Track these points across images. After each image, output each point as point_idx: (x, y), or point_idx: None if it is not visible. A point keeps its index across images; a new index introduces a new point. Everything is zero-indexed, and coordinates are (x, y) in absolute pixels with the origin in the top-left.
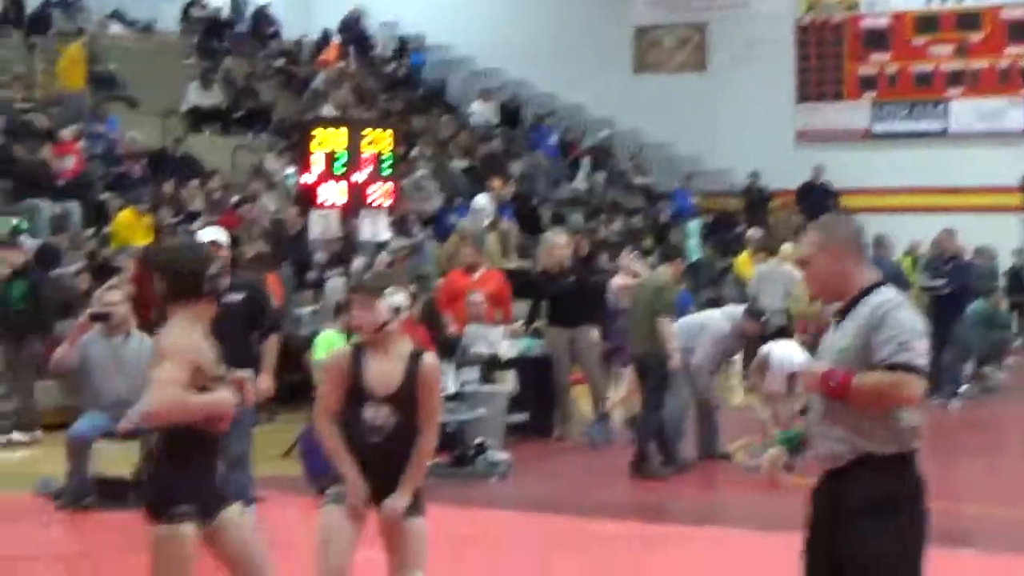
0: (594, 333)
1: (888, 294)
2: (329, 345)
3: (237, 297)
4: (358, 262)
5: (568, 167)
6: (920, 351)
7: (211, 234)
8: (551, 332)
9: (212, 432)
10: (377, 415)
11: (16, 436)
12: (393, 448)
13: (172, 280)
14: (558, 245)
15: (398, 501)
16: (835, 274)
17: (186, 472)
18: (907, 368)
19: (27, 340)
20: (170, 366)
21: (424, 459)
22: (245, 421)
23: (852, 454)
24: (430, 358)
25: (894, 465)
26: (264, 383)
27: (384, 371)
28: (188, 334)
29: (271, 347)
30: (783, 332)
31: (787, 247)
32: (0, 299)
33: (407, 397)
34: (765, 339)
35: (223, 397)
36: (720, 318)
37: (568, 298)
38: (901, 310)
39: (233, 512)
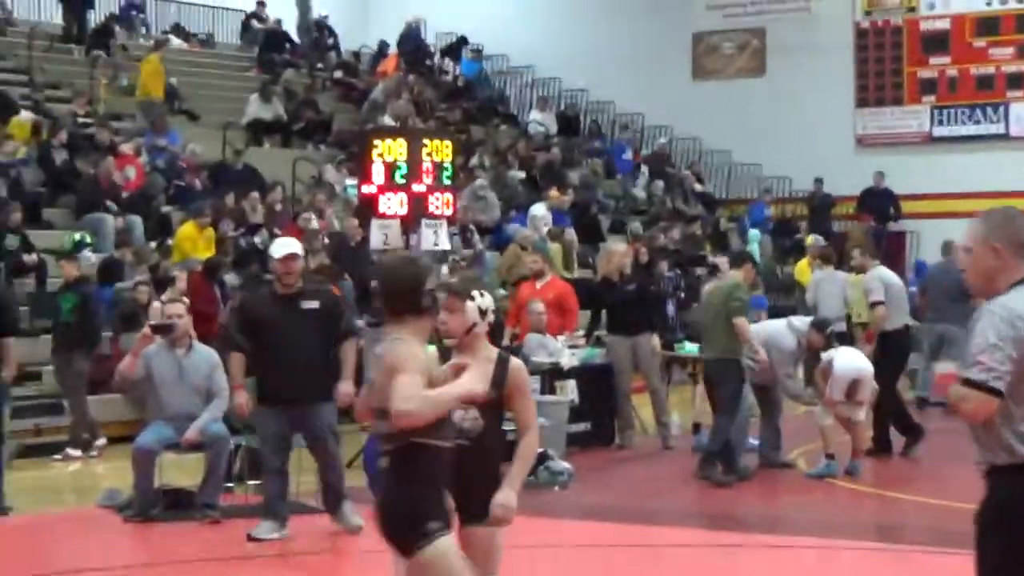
0: (655, 341)
1: (999, 300)
2: None
3: (313, 305)
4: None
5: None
6: (986, 365)
7: (288, 246)
8: (612, 340)
9: (440, 444)
10: (465, 418)
11: (70, 451)
12: (478, 452)
13: (393, 296)
14: (618, 252)
15: (509, 498)
16: (988, 269)
17: (426, 488)
18: (969, 383)
19: (75, 354)
20: (407, 378)
21: (529, 459)
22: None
23: (983, 463)
24: (517, 360)
25: (1009, 475)
26: (345, 387)
27: (472, 374)
28: (415, 349)
29: (349, 352)
30: (842, 339)
31: (856, 253)
32: (52, 311)
33: (495, 401)
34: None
35: (464, 383)
36: (786, 331)
37: (629, 306)
38: (983, 319)
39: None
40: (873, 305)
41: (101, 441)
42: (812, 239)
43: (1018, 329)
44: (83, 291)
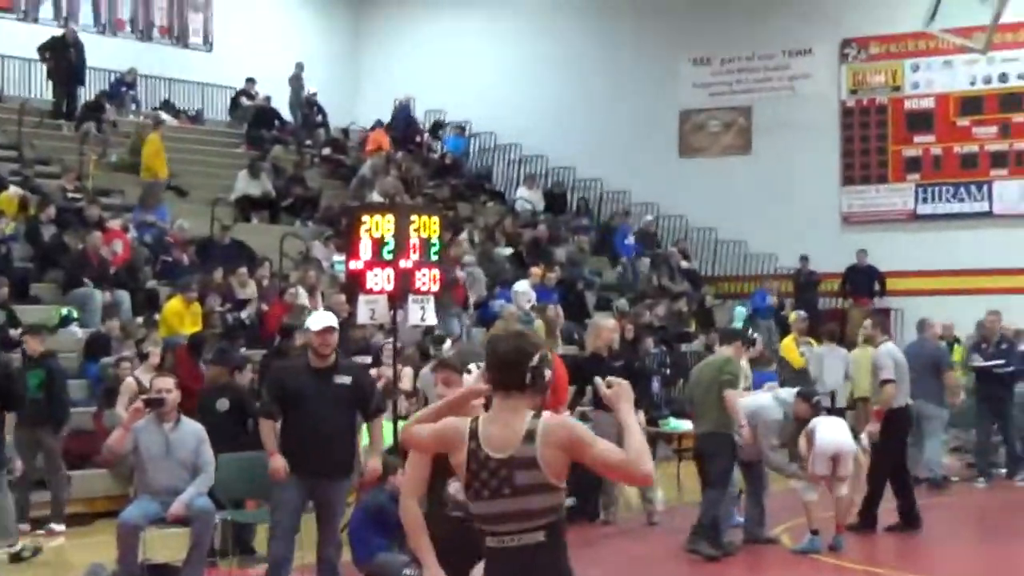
0: (641, 416)
1: None
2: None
3: (346, 380)
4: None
5: (614, 250)
6: None
7: (326, 320)
8: (597, 416)
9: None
10: (460, 489)
11: (54, 527)
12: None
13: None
14: (606, 327)
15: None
16: None
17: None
18: None
19: (42, 431)
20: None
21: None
22: None
23: None
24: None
25: None
26: (372, 463)
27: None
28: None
29: (379, 427)
30: (839, 413)
31: (868, 326)
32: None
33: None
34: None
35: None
36: (772, 403)
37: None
38: None
39: None
40: (884, 383)
41: (61, 527)
42: (795, 315)
43: None
44: (49, 366)
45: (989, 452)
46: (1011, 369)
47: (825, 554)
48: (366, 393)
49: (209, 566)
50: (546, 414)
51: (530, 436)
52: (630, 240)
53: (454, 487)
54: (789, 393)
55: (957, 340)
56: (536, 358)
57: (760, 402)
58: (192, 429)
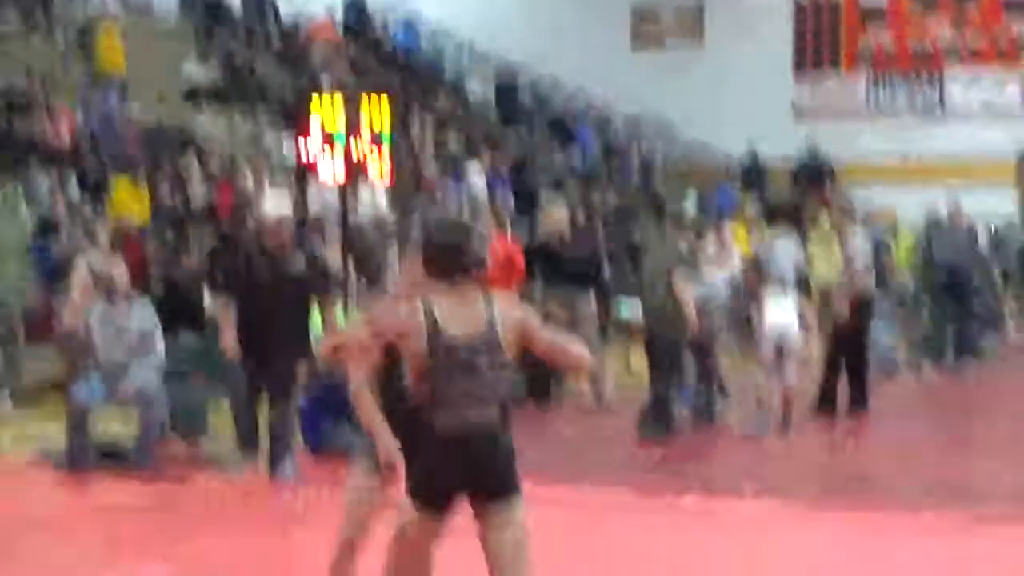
0: (592, 303)
1: None
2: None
3: (300, 266)
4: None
5: (566, 140)
6: None
7: (279, 206)
8: (549, 302)
9: None
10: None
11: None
12: None
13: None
14: (557, 215)
15: None
16: None
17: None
18: None
19: None
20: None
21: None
22: None
23: None
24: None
25: None
26: (326, 345)
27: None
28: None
29: (333, 312)
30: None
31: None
32: None
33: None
34: None
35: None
36: (722, 286)
37: (567, 267)
38: None
39: None
40: (854, 270)
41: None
42: (748, 203)
43: None
44: None
45: (941, 340)
46: (968, 260)
47: (773, 438)
48: (319, 278)
49: (160, 444)
50: (496, 296)
51: (490, 318)
52: (583, 131)
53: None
54: (737, 272)
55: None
56: (475, 243)
57: (708, 287)
58: (142, 310)
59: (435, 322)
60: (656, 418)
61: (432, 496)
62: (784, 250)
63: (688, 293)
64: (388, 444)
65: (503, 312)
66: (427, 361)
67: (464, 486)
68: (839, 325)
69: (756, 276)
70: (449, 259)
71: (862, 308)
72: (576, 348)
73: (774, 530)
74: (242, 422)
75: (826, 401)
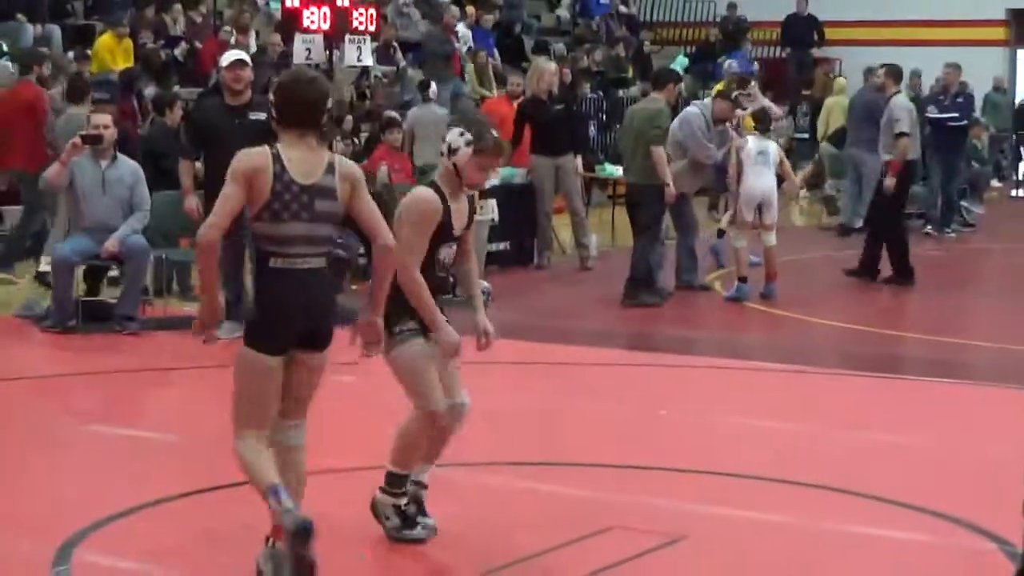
0: (578, 161)
1: None
2: None
3: (261, 116)
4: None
5: None
6: None
7: (236, 54)
8: (536, 160)
9: None
10: (450, 254)
11: None
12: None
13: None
14: (548, 70)
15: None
16: None
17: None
18: None
19: None
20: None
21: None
22: None
23: None
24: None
25: None
26: None
27: (460, 211)
28: None
29: None
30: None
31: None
32: None
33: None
34: None
35: None
36: (695, 110)
37: (555, 126)
38: None
39: None
40: (899, 135)
41: None
42: (728, 64)
43: None
44: None
45: (932, 204)
46: (965, 122)
47: (756, 301)
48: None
49: (144, 304)
50: (339, 156)
51: (331, 168)
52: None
53: (444, 252)
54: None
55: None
56: (330, 100)
57: (681, 117)
58: (128, 166)
59: (282, 166)
60: (641, 285)
61: (277, 337)
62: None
63: (665, 163)
64: (445, 328)
65: (343, 162)
66: (270, 201)
67: (297, 328)
68: (880, 193)
69: (725, 104)
70: (301, 111)
71: (904, 175)
72: (386, 230)
73: (754, 384)
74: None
75: (865, 269)
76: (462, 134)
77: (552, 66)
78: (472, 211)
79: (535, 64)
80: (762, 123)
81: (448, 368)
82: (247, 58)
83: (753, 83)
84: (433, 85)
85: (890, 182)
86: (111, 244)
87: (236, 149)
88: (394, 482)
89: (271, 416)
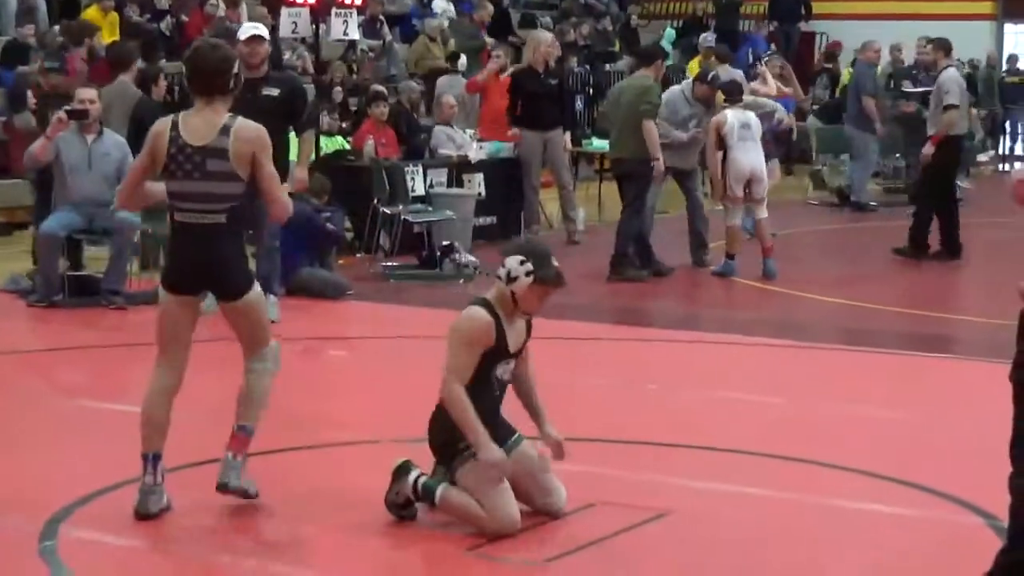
0: (566, 136)
1: None
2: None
3: (274, 92)
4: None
5: None
6: None
7: (253, 28)
8: (525, 134)
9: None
10: (507, 370)
11: None
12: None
13: (209, 77)
14: (544, 42)
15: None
16: None
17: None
18: None
19: None
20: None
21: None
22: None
23: None
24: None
25: None
26: (299, 173)
27: (517, 331)
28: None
29: (308, 140)
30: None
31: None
32: None
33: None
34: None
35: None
36: (677, 90)
37: (545, 100)
38: None
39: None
40: (948, 107)
41: None
42: (703, 37)
43: None
44: None
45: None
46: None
47: (752, 278)
48: (296, 105)
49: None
50: (241, 119)
51: (225, 130)
52: None
53: (501, 370)
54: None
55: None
56: (236, 66)
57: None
58: (115, 141)
59: (176, 132)
60: (626, 259)
61: (174, 281)
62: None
63: (656, 139)
64: (489, 449)
65: (241, 130)
66: (166, 160)
67: (195, 277)
68: (927, 166)
69: (705, 87)
70: (207, 79)
71: (948, 148)
72: (282, 197)
73: (742, 358)
74: None
75: (915, 244)
76: (523, 263)
77: (548, 37)
78: (529, 329)
79: (532, 34)
80: (731, 95)
81: (538, 476)
82: (265, 32)
83: (774, 64)
84: (463, 57)
85: (928, 150)
86: (100, 218)
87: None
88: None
89: (171, 346)
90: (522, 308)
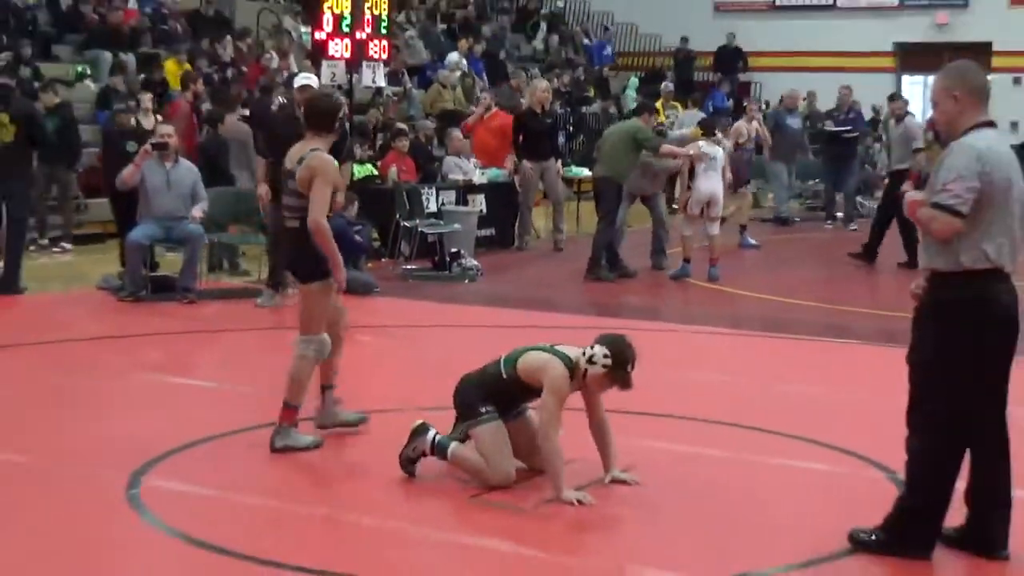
0: (559, 164)
1: (968, 140)
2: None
3: None
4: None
5: (529, 30)
6: (954, 192)
7: (305, 79)
8: (524, 164)
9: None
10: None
11: (65, 245)
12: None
13: (318, 118)
14: (540, 88)
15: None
16: (949, 114)
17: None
18: (939, 207)
19: (57, 168)
20: (323, 190)
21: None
22: None
23: (928, 268)
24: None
25: (954, 280)
26: (339, 198)
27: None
28: (329, 159)
29: (345, 170)
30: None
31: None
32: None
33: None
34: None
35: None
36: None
37: (542, 135)
38: (952, 155)
39: None
40: (916, 151)
41: (68, 244)
42: (664, 85)
43: (981, 164)
44: (63, 113)
45: (833, 202)
46: (856, 134)
47: (701, 280)
48: (339, 139)
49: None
50: (317, 150)
51: (301, 160)
52: (608, 52)
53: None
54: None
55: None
56: (342, 111)
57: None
58: (188, 168)
59: (283, 157)
60: (599, 263)
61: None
62: (689, 123)
63: (667, 150)
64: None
65: (313, 156)
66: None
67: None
68: (899, 195)
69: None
70: (320, 118)
71: (919, 182)
72: (316, 217)
73: (699, 344)
74: (273, 261)
75: (868, 253)
76: (607, 356)
77: (544, 84)
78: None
79: (533, 83)
80: (707, 131)
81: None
82: (315, 82)
83: (752, 108)
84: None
85: (908, 187)
86: (176, 232)
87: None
88: (437, 451)
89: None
90: (586, 383)
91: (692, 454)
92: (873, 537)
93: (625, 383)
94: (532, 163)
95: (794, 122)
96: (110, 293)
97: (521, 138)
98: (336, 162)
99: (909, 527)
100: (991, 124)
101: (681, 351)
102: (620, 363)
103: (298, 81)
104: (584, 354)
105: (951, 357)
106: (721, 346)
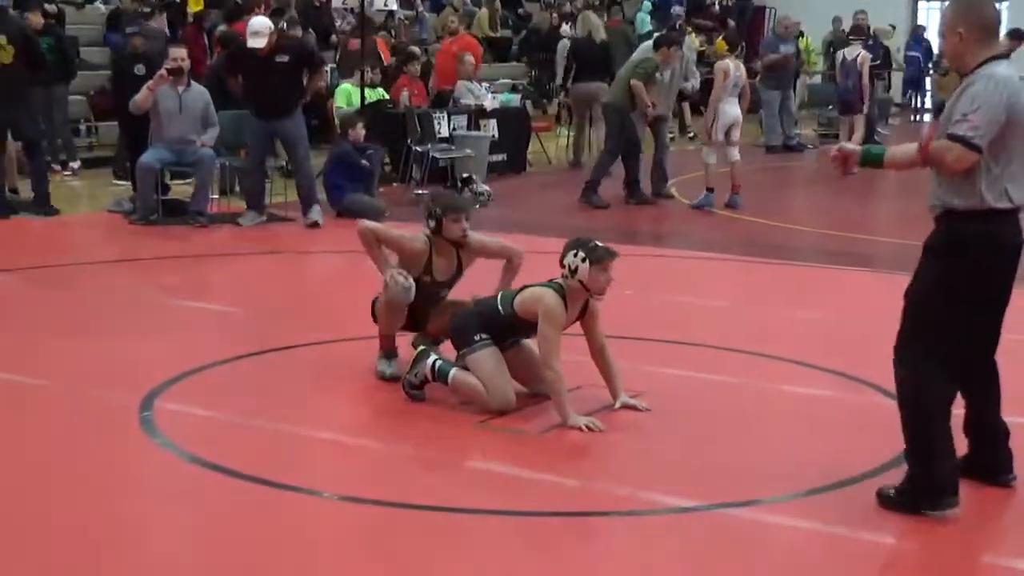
0: (606, 87)
1: (986, 71)
2: (347, 95)
3: (285, 58)
4: None
5: None
6: (972, 123)
7: (252, 40)
8: (576, 87)
9: None
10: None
11: (72, 164)
12: None
13: None
14: (592, 17)
15: None
16: (955, 49)
17: None
18: (955, 138)
19: (55, 87)
20: None
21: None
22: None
23: (938, 206)
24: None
25: (969, 218)
26: (314, 83)
27: (573, 312)
28: None
29: (320, 74)
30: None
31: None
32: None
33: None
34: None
35: None
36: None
37: (594, 60)
38: (974, 85)
39: None
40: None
41: (76, 164)
42: (673, 9)
43: (1001, 94)
44: (55, 32)
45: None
46: (878, 62)
47: (721, 209)
48: (304, 59)
49: (212, 202)
50: None
51: None
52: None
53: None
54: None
55: (802, 34)
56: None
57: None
58: (200, 92)
59: None
60: (596, 189)
61: None
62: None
63: (644, 94)
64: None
65: None
66: None
67: None
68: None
69: (667, 50)
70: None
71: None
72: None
73: (709, 271)
74: (251, 181)
75: None
76: (576, 254)
77: (596, 19)
78: (587, 307)
79: (584, 15)
80: (732, 47)
81: (534, 368)
82: (261, 41)
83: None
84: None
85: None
86: (188, 155)
87: (267, 79)
88: (438, 376)
89: None
90: (593, 290)
91: (701, 380)
92: (894, 492)
93: (608, 253)
94: (582, 85)
95: (787, 49)
96: (121, 216)
97: (574, 64)
98: None
99: (927, 491)
100: (1004, 57)
101: (692, 278)
102: (589, 247)
103: (252, 40)
104: (566, 277)
105: (953, 293)
106: (735, 273)
